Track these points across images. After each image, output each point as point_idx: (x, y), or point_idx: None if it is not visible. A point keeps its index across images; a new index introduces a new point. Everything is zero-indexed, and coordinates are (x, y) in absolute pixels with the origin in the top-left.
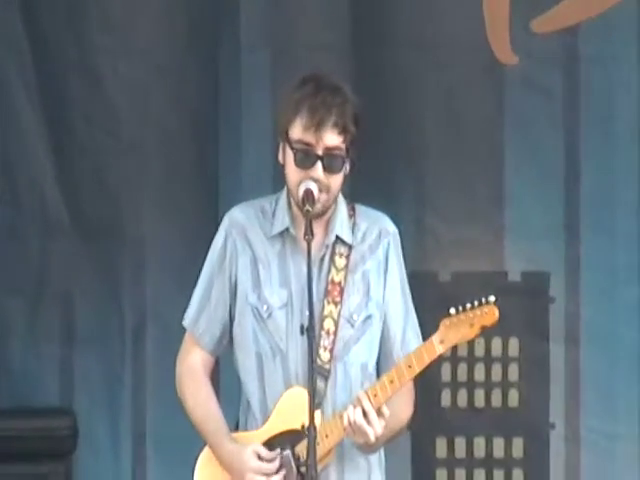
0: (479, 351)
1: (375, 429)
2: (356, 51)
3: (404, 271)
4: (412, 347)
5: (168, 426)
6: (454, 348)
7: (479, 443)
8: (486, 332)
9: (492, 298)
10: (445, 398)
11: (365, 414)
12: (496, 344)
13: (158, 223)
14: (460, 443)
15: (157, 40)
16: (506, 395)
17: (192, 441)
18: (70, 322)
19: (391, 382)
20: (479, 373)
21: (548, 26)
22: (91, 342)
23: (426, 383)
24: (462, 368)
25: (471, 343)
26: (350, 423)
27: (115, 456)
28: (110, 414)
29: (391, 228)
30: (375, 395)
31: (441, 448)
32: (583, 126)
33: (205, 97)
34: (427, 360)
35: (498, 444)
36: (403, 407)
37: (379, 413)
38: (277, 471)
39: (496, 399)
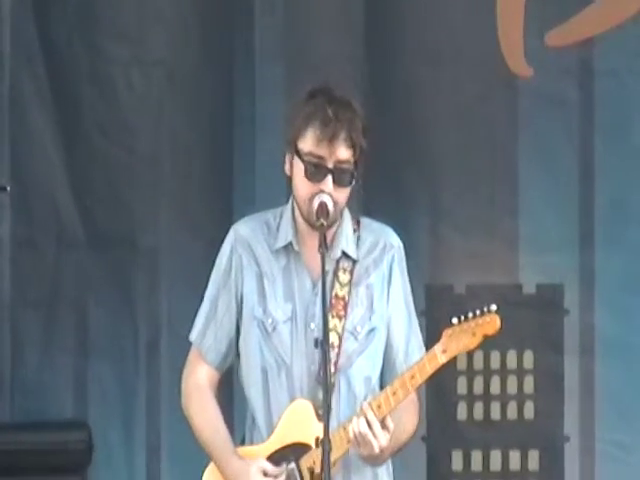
0: (495, 364)
1: (379, 441)
2: (370, 64)
3: (408, 284)
4: (415, 359)
5: (183, 439)
6: (470, 361)
7: (495, 456)
8: (501, 345)
9: (494, 307)
10: (461, 411)
11: (369, 425)
12: (511, 357)
13: (172, 234)
14: (476, 456)
15: (170, 51)
16: (522, 407)
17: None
18: (84, 334)
19: (394, 394)
20: (495, 386)
21: (563, 39)
22: (105, 354)
23: (442, 396)
24: (478, 381)
25: (487, 356)
26: (355, 434)
27: (130, 469)
28: (124, 426)
29: (395, 242)
30: (379, 406)
31: (457, 461)
32: (598, 138)
33: (219, 108)
34: (430, 371)
35: (514, 457)
36: (409, 418)
37: (383, 425)
38: None
39: (512, 412)
